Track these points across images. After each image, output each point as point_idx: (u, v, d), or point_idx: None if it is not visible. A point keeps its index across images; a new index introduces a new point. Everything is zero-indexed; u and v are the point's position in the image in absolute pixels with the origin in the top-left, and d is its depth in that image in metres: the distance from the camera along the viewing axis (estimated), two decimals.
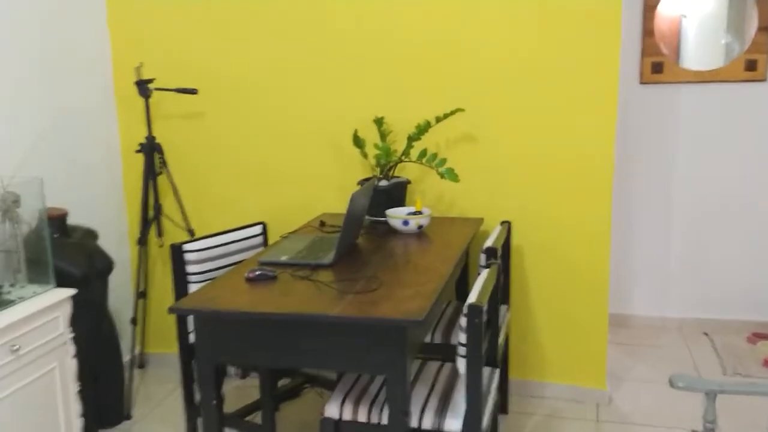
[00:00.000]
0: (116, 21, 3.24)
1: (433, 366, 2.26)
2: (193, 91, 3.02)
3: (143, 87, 3.04)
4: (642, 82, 3.66)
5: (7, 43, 2.66)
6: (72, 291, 2.32)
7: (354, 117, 3.04)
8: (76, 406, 2.36)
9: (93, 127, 3.17)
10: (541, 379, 3.07)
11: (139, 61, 3.24)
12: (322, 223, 2.84)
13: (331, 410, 2.02)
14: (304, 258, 2.26)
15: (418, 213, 2.68)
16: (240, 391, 3.21)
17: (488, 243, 2.36)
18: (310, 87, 3.07)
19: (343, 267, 2.21)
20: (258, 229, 2.74)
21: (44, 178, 2.73)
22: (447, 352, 2.48)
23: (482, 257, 2.35)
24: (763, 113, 3.55)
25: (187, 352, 2.49)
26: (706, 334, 3.75)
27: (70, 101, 3.01)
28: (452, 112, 2.77)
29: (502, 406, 2.90)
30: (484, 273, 2.07)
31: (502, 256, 2.56)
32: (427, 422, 1.94)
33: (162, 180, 3.26)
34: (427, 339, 2.52)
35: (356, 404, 2.01)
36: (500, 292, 2.46)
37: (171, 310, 1.90)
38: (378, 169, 2.82)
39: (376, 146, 2.79)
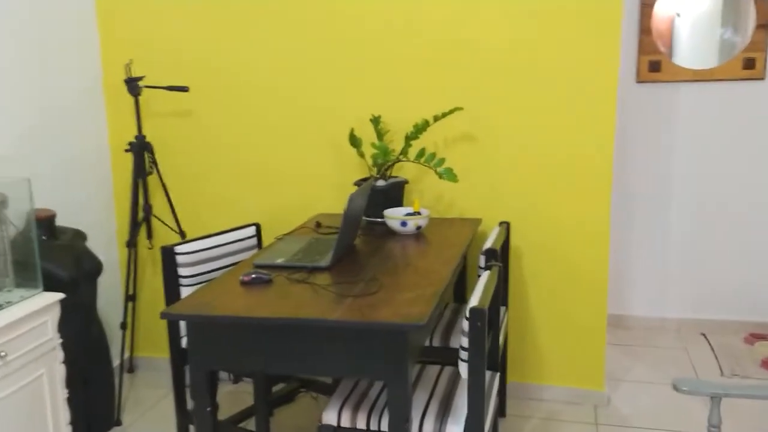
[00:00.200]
0: (105, 17, 3.16)
1: (432, 370, 2.21)
2: (184, 89, 2.96)
3: (133, 85, 2.97)
4: (639, 81, 3.62)
5: None
6: (60, 295, 2.25)
7: (351, 115, 2.98)
8: (65, 414, 2.30)
9: (81, 126, 3.09)
10: (539, 382, 3.03)
11: (129, 58, 3.17)
12: (318, 224, 2.78)
13: (329, 417, 1.97)
14: (300, 260, 2.21)
15: (416, 214, 2.63)
16: (233, 396, 3.14)
17: (487, 244, 2.32)
18: (305, 84, 3.01)
19: (340, 269, 2.15)
20: (251, 231, 2.68)
21: (30, 177, 2.66)
22: (446, 356, 2.44)
23: (482, 259, 2.30)
24: (761, 112, 3.52)
25: (178, 357, 2.43)
26: (703, 334, 3.73)
27: (58, 99, 2.94)
28: (451, 111, 2.72)
29: (500, 410, 2.86)
30: (485, 275, 2.02)
31: (500, 257, 2.51)
32: (428, 428, 1.90)
33: (152, 180, 3.19)
34: (426, 342, 2.47)
35: (355, 410, 1.96)
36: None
37: (164, 315, 1.84)
38: (375, 169, 2.77)
39: (373, 145, 2.74)
